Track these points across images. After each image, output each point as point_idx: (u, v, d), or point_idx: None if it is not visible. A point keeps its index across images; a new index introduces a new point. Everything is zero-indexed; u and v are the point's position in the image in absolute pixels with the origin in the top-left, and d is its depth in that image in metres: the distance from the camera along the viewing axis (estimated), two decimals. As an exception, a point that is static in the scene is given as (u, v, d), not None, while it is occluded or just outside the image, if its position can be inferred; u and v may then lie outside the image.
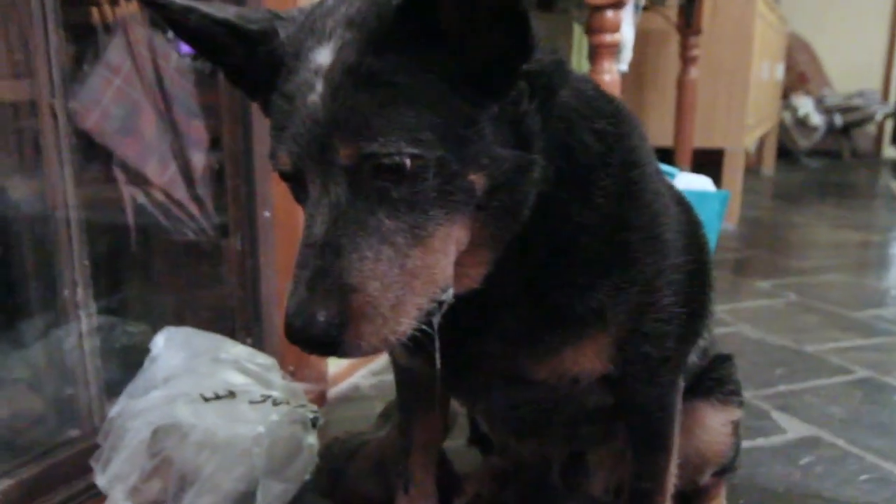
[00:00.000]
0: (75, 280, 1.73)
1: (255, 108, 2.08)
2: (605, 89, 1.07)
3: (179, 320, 2.03)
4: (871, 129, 8.37)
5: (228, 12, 0.92)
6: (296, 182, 0.87)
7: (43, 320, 1.81)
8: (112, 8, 2.32)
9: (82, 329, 1.75)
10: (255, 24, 0.92)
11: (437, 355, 1.06)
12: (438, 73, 0.82)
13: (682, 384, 1.19)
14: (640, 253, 1.01)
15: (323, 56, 0.82)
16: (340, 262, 0.79)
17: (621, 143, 0.99)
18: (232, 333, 2.10)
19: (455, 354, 1.04)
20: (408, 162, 0.79)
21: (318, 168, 0.82)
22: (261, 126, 2.09)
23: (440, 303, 0.86)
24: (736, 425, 1.36)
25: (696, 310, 1.13)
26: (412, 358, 1.14)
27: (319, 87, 0.81)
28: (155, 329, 1.82)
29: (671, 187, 1.16)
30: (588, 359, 1.04)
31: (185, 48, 2.34)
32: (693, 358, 1.23)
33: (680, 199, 1.18)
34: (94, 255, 1.80)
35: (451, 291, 0.87)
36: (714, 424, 1.33)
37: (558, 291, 0.99)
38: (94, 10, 2.31)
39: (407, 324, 0.83)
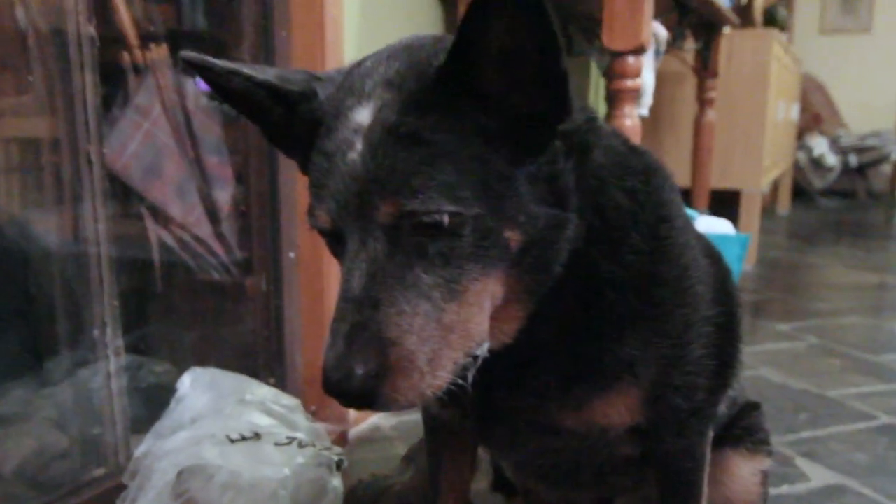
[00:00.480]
0: (104, 320, 1.76)
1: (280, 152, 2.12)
2: (633, 143, 1.09)
3: (203, 359, 2.05)
4: (886, 168, 8.37)
5: (269, 74, 0.96)
6: (334, 238, 0.89)
7: (71, 359, 1.83)
8: (142, 51, 2.37)
9: (110, 368, 1.77)
10: (294, 86, 0.95)
11: (470, 408, 1.08)
12: (476, 132, 0.83)
13: (711, 434, 1.19)
14: (671, 306, 1.02)
15: (362, 115, 0.84)
16: (378, 316, 0.80)
17: (651, 198, 1.01)
18: (255, 373, 2.11)
19: (486, 405, 1.06)
20: (446, 219, 0.81)
21: (357, 224, 0.83)
22: (287, 166, 2.12)
23: (475, 357, 0.87)
24: (765, 475, 1.36)
25: (726, 361, 1.14)
26: (444, 409, 1.15)
27: (359, 145, 0.83)
28: (180, 368, 1.83)
29: (701, 238, 1.18)
30: (617, 410, 1.05)
31: (204, 86, 2.38)
32: (722, 408, 1.23)
33: (710, 250, 1.19)
34: (122, 294, 1.82)
35: (486, 346, 0.88)
36: (743, 474, 1.33)
37: (588, 344, 1.00)
38: (125, 53, 2.36)
39: (443, 378, 0.83)
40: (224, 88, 0.96)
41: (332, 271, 2.13)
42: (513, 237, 0.85)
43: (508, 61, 0.81)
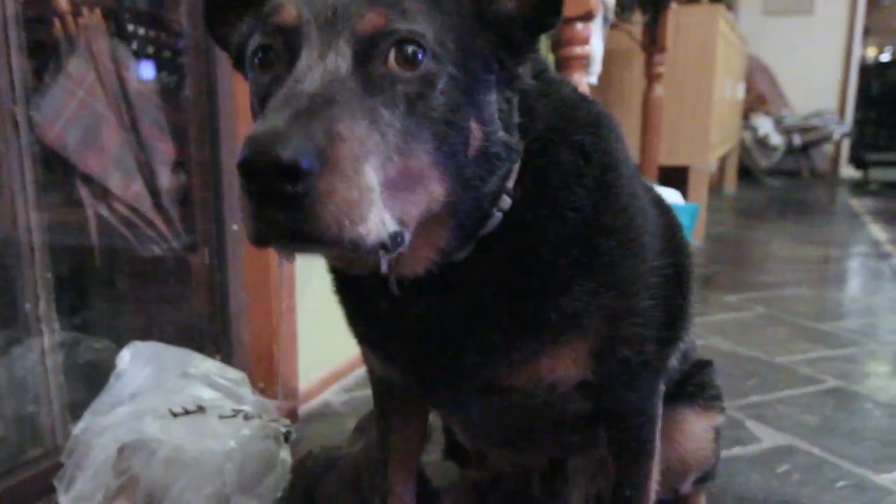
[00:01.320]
0: (37, 294, 1.68)
1: (223, 122, 2.05)
2: (582, 93, 1.06)
3: (146, 336, 1.98)
4: (828, 148, 8.54)
5: None
6: (282, 45, 0.81)
7: (2, 336, 1.75)
8: (74, 19, 2.28)
9: (45, 345, 1.70)
10: None
11: (413, 367, 1.04)
12: (469, 9, 0.84)
13: (662, 389, 1.17)
14: (616, 257, 0.99)
15: None
16: (331, 111, 0.71)
17: (598, 148, 0.98)
18: (200, 349, 2.05)
19: (431, 363, 1.02)
20: (424, 59, 0.77)
21: (322, 35, 0.77)
22: (229, 138, 2.06)
23: (395, 240, 0.76)
24: (718, 431, 1.35)
25: (675, 313, 1.12)
26: (387, 368, 1.12)
27: None
28: (121, 345, 1.77)
29: (650, 190, 1.16)
30: (565, 365, 1.02)
31: (148, 72, 2.31)
32: (673, 362, 1.21)
33: (659, 201, 1.17)
34: (58, 272, 1.75)
35: (407, 236, 0.78)
36: (697, 430, 1.32)
37: (530, 299, 0.97)
38: (56, 22, 2.27)
39: (371, 222, 0.71)
40: None
41: (278, 244, 2.07)
42: (475, 131, 0.83)
43: None
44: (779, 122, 7.84)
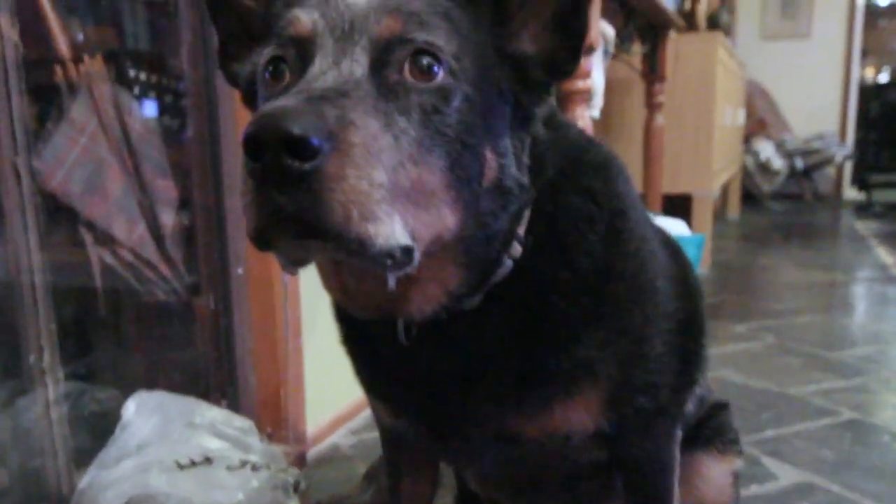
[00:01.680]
0: (41, 345, 1.66)
1: (226, 164, 2.05)
2: (589, 135, 1.05)
3: (151, 383, 1.96)
4: (831, 171, 8.54)
5: None
6: (295, 56, 0.80)
7: (6, 388, 1.73)
8: (76, 66, 2.29)
9: (49, 396, 1.68)
10: None
11: (424, 417, 1.02)
12: (488, 38, 0.83)
13: (679, 435, 1.15)
14: (628, 303, 0.97)
15: None
16: (345, 101, 0.69)
17: (608, 192, 0.97)
18: (206, 395, 2.03)
19: (440, 414, 1.00)
20: (440, 72, 0.76)
21: (338, 44, 0.76)
22: (233, 181, 2.05)
23: (404, 252, 0.72)
24: (736, 476, 1.32)
25: (690, 358, 1.10)
26: (396, 419, 1.10)
27: None
28: (125, 394, 1.75)
29: (659, 230, 1.14)
30: (578, 415, 0.99)
31: (150, 111, 2.31)
32: (689, 407, 1.19)
33: (668, 242, 1.15)
34: (62, 320, 1.73)
35: (416, 255, 0.75)
36: (715, 476, 1.29)
37: (542, 347, 0.94)
38: (58, 69, 2.27)
39: (381, 222, 0.68)
40: None
41: (284, 287, 2.06)
42: (489, 160, 0.81)
43: None
44: (780, 146, 7.84)
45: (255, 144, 0.63)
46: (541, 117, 0.93)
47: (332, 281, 0.89)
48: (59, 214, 2.10)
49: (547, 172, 0.92)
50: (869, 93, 8.74)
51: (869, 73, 9.55)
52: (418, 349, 0.94)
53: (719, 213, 6.98)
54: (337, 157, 0.65)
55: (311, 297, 2.16)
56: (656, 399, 1.02)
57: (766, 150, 7.64)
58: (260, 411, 2.10)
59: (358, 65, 0.75)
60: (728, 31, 5.74)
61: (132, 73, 2.31)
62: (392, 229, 0.70)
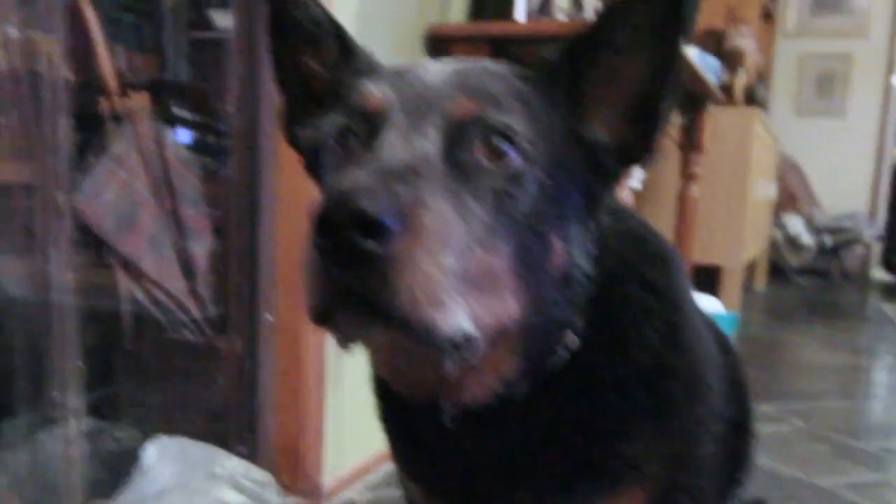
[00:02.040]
0: (66, 382, 1.65)
1: (263, 210, 2.04)
2: (647, 224, 1.03)
3: (170, 422, 1.94)
4: (859, 250, 8.45)
5: None
6: (365, 129, 0.78)
7: (27, 420, 1.71)
8: (122, 99, 2.31)
9: (69, 433, 1.65)
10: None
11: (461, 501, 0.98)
12: (562, 123, 0.82)
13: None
14: (681, 401, 0.94)
15: (443, 66, 0.82)
16: (417, 180, 0.67)
17: (667, 285, 0.94)
18: (225, 439, 2.00)
19: (479, 501, 0.96)
20: (515, 155, 0.75)
21: (410, 120, 0.75)
22: (267, 228, 2.04)
23: (468, 341, 0.70)
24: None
25: (738, 460, 1.06)
26: (429, 500, 1.05)
27: (440, 68, 0.81)
28: (145, 433, 1.72)
29: (710, 323, 1.11)
30: None
31: (191, 155, 2.31)
32: (732, 508, 1.14)
33: (719, 336, 1.11)
34: (86, 350, 1.72)
35: (479, 345, 0.72)
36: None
37: (592, 442, 0.91)
38: (103, 100, 2.30)
39: (448, 310, 0.66)
40: (287, 13, 0.93)
41: (312, 337, 2.03)
42: (557, 248, 0.79)
43: (621, 69, 0.82)
44: (810, 222, 7.78)
45: (327, 221, 0.62)
46: (608, 204, 0.91)
47: (383, 361, 0.87)
48: (90, 246, 2.10)
49: (608, 261, 0.90)
50: (899, 174, 8.68)
51: (900, 153, 9.50)
52: (462, 434, 0.90)
53: (745, 285, 6.91)
54: (409, 239, 0.63)
55: (337, 348, 2.13)
56: (701, 502, 0.98)
57: (795, 224, 7.58)
58: (278, 460, 2.07)
59: (430, 142, 0.73)
60: (764, 106, 5.75)
61: (176, 110, 2.32)
62: (457, 317, 0.68)
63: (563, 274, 0.81)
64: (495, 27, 2.29)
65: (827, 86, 8.17)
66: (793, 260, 7.70)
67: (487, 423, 0.89)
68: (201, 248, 2.20)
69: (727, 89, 4.99)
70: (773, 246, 7.50)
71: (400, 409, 1.00)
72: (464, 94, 0.76)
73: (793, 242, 7.54)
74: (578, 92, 0.84)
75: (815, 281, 8.09)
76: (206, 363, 2.18)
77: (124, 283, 2.17)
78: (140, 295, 2.19)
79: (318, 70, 0.94)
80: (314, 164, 0.91)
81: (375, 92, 0.79)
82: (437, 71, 0.81)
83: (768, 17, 7.59)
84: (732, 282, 4.45)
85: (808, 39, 8.05)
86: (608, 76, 0.84)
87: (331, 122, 0.83)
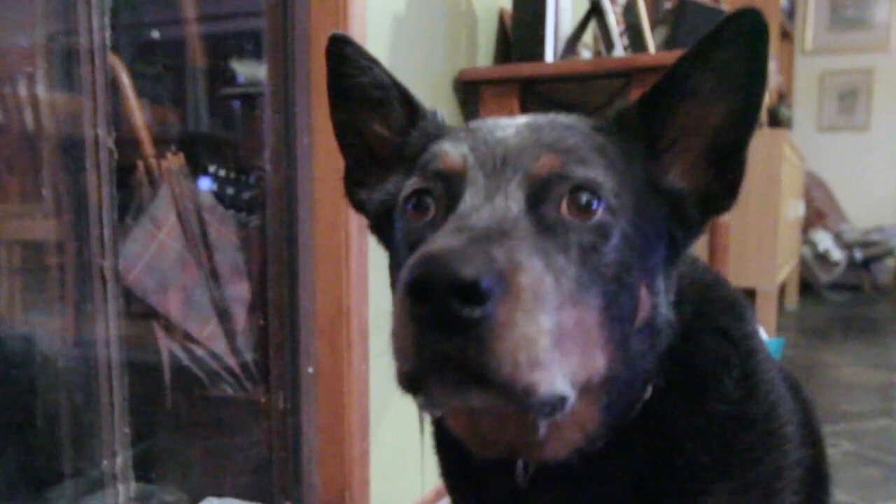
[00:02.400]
0: (115, 450, 1.64)
1: (302, 264, 2.03)
2: (713, 269, 1.01)
3: (216, 480, 1.92)
4: (890, 263, 8.34)
5: None
6: (443, 190, 0.78)
7: (76, 486, 1.70)
8: (158, 162, 2.33)
9: (119, 500, 1.64)
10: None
11: None
12: (641, 172, 0.81)
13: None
14: (760, 452, 0.91)
15: (516, 122, 0.82)
16: (509, 241, 0.66)
17: (741, 334, 0.92)
18: (270, 495, 1.99)
19: None
20: (600, 209, 0.73)
21: (490, 180, 0.74)
22: (307, 280, 2.04)
23: (561, 401, 0.69)
24: None
25: (815, 506, 1.02)
26: None
27: (513, 123, 0.80)
28: (192, 495, 1.71)
29: (780, 368, 1.08)
30: None
31: (228, 213, 2.32)
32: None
33: (790, 379, 1.09)
34: (132, 412, 1.71)
35: (570, 403, 0.70)
36: None
37: (669, 498, 0.88)
38: (140, 162, 2.32)
39: (548, 371, 0.64)
40: (351, 79, 0.92)
41: (353, 387, 2.02)
42: (644, 299, 0.78)
43: (700, 117, 0.81)
44: (838, 237, 7.70)
45: (423, 287, 0.60)
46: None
47: (465, 424, 0.85)
48: (133, 308, 2.11)
49: (685, 309, 0.88)
50: (926, 185, 8.58)
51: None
52: (533, 492, 0.89)
53: (777, 304, 6.82)
54: (507, 302, 0.62)
55: (379, 397, 2.12)
56: None
57: (824, 240, 7.50)
58: (324, 516, 2.05)
59: (514, 201, 0.72)
60: (788, 125, 5.71)
61: (212, 169, 2.34)
62: (555, 376, 0.66)
63: (649, 325, 0.80)
64: (524, 68, 2.29)
65: (849, 101, 8.13)
66: (823, 276, 7.60)
67: (561, 479, 0.87)
68: (240, 304, 2.20)
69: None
70: (803, 263, 7.42)
71: (466, 465, 0.98)
72: (546, 151, 0.76)
73: (823, 258, 7.46)
74: (656, 141, 0.83)
75: (847, 296, 7.98)
76: (249, 418, 2.17)
77: (164, 343, 2.18)
78: (180, 353, 2.19)
79: (385, 134, 0.94)
80: (382, 227, 0.90)
81: (453, 152, 0.78)
82: (512, 127, 0.80)
83: (786, 35, 7.58)
84: (768, 304, 4.40)
85: (828, 56, 8.02)
86: (686, 124, 0.83)
87: (401, 185, 0.83)
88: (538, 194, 0.74)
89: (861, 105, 8.11)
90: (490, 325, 0.60)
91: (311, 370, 2.07)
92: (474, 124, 0.84)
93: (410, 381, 0.66)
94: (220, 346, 2.17)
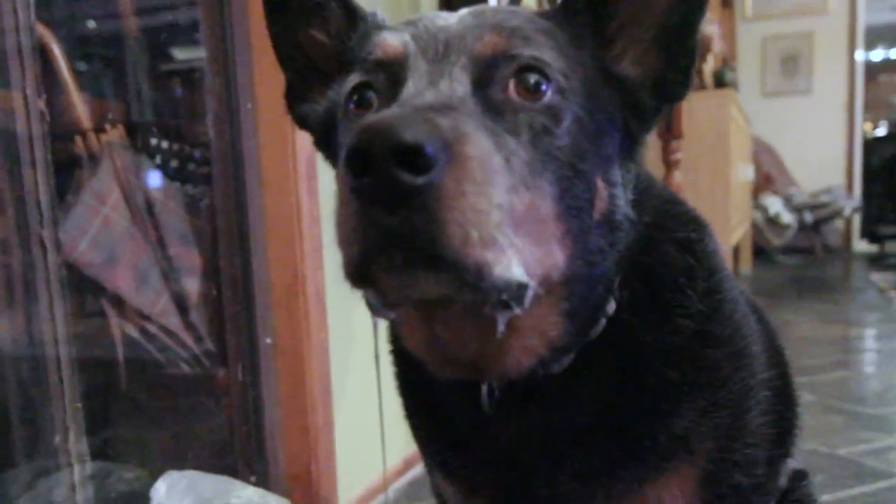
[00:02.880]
0: (66, 425, 1.59)
1: (253, 232, 1.99)
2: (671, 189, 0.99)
3: (178, 459, 1.88)
4: (839, 224, 8.51)
5: None
6: (385, 81, 0.75)
7: (29, 469, 1.64)
8: (97, 136, 2.25)
9: (75, 478, 1.59)
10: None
11: (503, 495, 0.93)
12: (593, 60, 0.78)
13: (771, 512, 1.06)
14: (727, 370, 0.89)
15: (457, 13, 0.79)
16: (454, 113, 0.63)
17: (704, 248, 0.90)
18: (234, 471, 1.94)
19: (520, 494, 0.92)
20: (549, 90, 0.71)
21: (433, 65, 0.71)
22: (259, 249, 1.99)
23: (519, 289, 0.65)
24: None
25: (785, 428, 1.01)
26: (469, 499, 1.00)
27: (454, 14, 0.78)
28: (153, 473, 1.67)
29: (743, 292, 1.07)
30: (672, 495, 0.90)
31: (173, 185, 2.26)
32: (783, 481, 1.10)
33: (752, 303, 1.08)
34: (86, 395, 1.66)
35: (530, 294, 0.67)
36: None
37: (637, 420, 0.87)
38: (79, 139, 2.24)
39: (500, 250, 0.61)
40: None
41: (313, 357, 1.98)
42: (601, 189, 0.75)
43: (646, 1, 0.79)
44: (788, 201, 7.82)
45: (362, 158, 0.56)
46: (646, 146, 0.88)
47: (421, 331, 0.81)
48: (81, 286, 2.04)
49: (644, 218, 0.86)
50: (869, 146, 8.76)
51: (867, 127, 9.60)
52: (500, 418, 0.86)
53: (732, 268, 6.92)
54: (454, 170, 0.58)
55: (341, 366, 2.08)
56: (754, 475, 0.94)
57: (774, 204, 7.61)
58: (291, 486, 2.01)
59: (459, 84, 0.69)
60: (735, 87, 5.77)
61: (154, 141, 2.27)
62: (510, 259, 0.62)
63: (608, 219, 0.78)
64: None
65: (791, 65, 8.26)
66: (775, 240, 7.73)
67: (526, 403, 0.85)
68: (192, 278, 2.14)
69: (697, 75, 5.00)
70: (755, 227, 7.53)
71: (429, 401, 0.95)
72: (490, 31, 0.73)
73: (774, 222, 7.58)
74: (605, 27, 0.81)
75: (799, 259, 8.13)
76: (209, 395, 2.12)
77: (116, 323, 2.11)
78: (133, 333, 2.13)
79: (324, 41, 0.91)
80: (327, 139, 0.88)
81: (393, 40, 0.75)
82: (454, 16, 0.78)
83: (727, 3, 7.66)
84: (723, 265, 4.45)
85: (768, 21, 8.13)
86: (634, 8, 0.81)
87: (346, 84, 0.80)
88: (484, 76, 0.71)
89: (803, 69, 8.24)
90: (436, 195, 0.57)
91: (268, 341, 2.02)
92: (414, 17, 0.81)
93: (358, 269, 0.62)
94: (174, 321, 2.11)
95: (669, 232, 0.89)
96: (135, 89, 2.50)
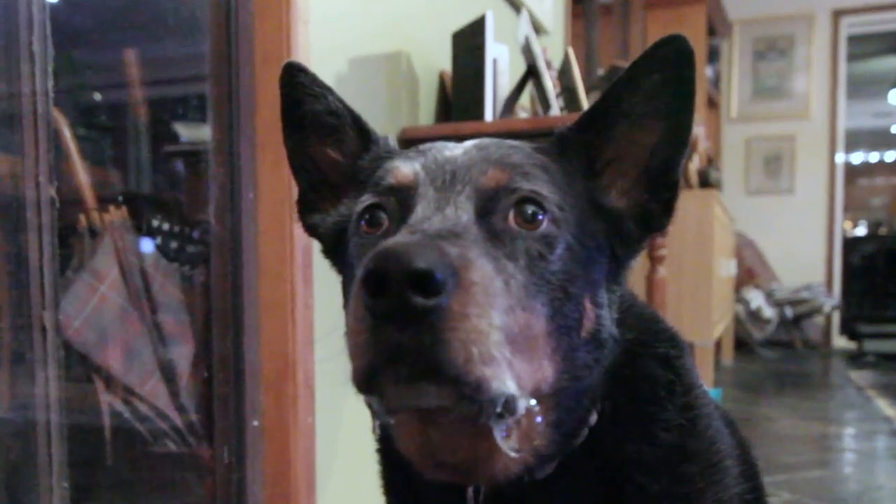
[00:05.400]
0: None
1: (247, 317, 2.03)
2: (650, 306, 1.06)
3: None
4: (819, 320, 8.61)
5: None
6: (395, 204, 0.82)
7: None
8: (100, 215, 2.31)
9: (58, 558, 1.60)
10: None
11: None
12: (583, 189, 0.86)
13: None
14: (701, 485, 0.93)
15: (463, 144, 0.86)
16: (460, 241, 0.70)
17: (682, 364, 0.96)
18: (215, 555, 1.94)
19: None
20: (545, 220, 0.78)
21: (441, 193, 0.78)
22: (252, 333, 2.03)
23: (511, 403, 0.70)
24: None
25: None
26: None
27: (460, 145, 0.85)
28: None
29: (717, 405, 1.12)
30: None
31: (172, 267, 2.31)
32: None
33: (726, 417, 1.13)
34: (71, 467, 1.67)
35: (521, 406, 0.72)
36: None
37: None
38: (82, 216, 2.30)
39: (497, 366, 0.67)
40: (305, 105, 0.96)
41: (300, 441, 2.01)
42: (588, 310, 0.81)
43: (633, 138, 0.87)
44: (769, 296, 7.93)
45: (378, 280, 0.63)
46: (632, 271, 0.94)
47: (416, 435, 0.85)
48: (73, 363, 2.07)
49: (627, 334, 0.92)
50: (849, 245, 8.95)
51: (846, 226, 9.83)
52: None
53: (714, 360, 6.97)
54: (460, 294, 0.65)
55: (327, 449, 2.10)
56: None
57: (756, 298, 7.72)
58: (271, 573, 2.01)
59: (464, 211, 0.76)
60: (719, 187, 5.93)
61: (155, 223, 2.33)
62: (506, 374, 0.69)
63: (595, 338, 0.83)
64: (465, 127, 2.37)
65: (774, 165, 8.48)
66: (757, 333, 7.80)
67: None
68: (184, 358, 2.18)
69: (683, 174, 5.13)
70: (737, 320, 7.61)
71: (413, 497, 0.99)
72: (494, 166, 0.80)
73: (755, 316, 7.66)
74: (594, 162, 0.89)
75: (779, 352, 8.19)
76: (193, 473, 2.13)
77: (106, 399, 2.13)
78: (122, 409, 2.15)
79: (338, 158, 0.98)
80: (335, 250, 0.94)
81: (405, 168, 0.82)
82: (460, 147, 0.85)
83: (713, 104, 7.91)
84: (705, 358, 4.50)
85: (753, 123, 8.40)
86: (621, 145, 0.89)
87: (356, 205, 0.86)
88: (486, 206, 0.78)
89: (785, 169, 8.47)
90: (444, 316, 0.64)
91: (256, 423, 2.05)
92: (424, 146, 0.88)
93: (366, 378, 0.68)
94: (163, 401, 2.13)
95: (650, 348, 0.95)
96: (139, 173, 2.58)
